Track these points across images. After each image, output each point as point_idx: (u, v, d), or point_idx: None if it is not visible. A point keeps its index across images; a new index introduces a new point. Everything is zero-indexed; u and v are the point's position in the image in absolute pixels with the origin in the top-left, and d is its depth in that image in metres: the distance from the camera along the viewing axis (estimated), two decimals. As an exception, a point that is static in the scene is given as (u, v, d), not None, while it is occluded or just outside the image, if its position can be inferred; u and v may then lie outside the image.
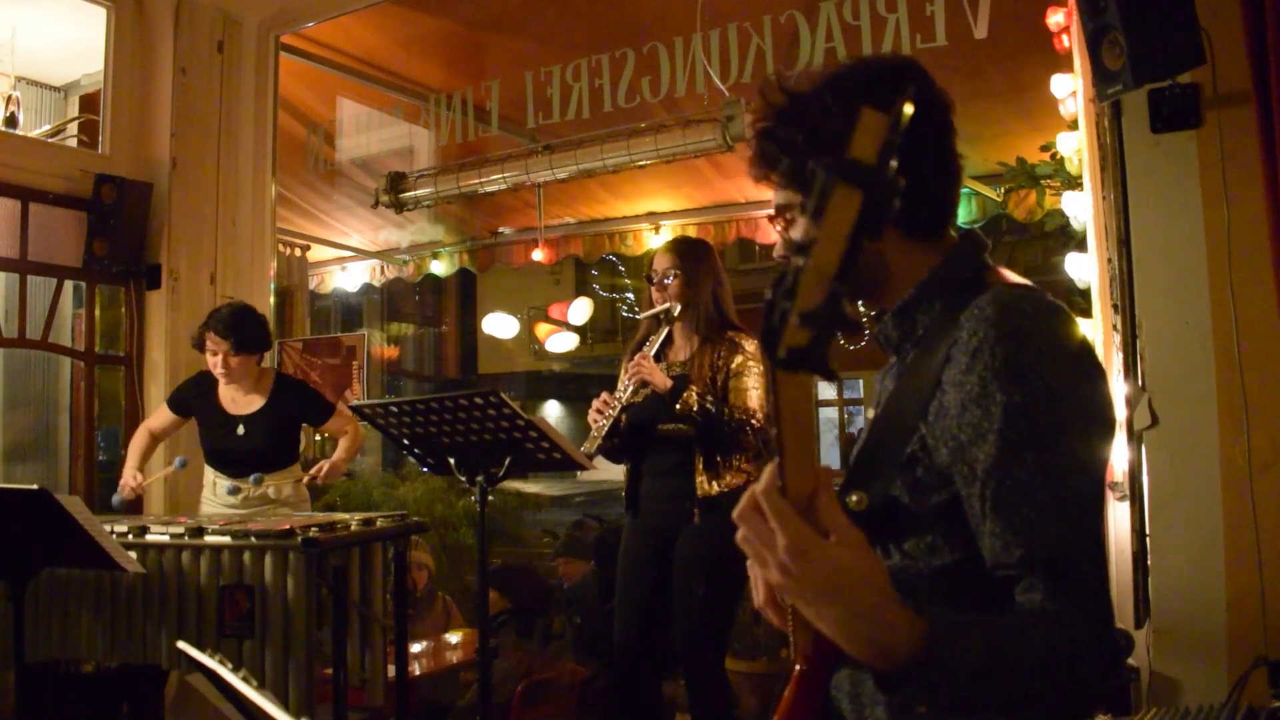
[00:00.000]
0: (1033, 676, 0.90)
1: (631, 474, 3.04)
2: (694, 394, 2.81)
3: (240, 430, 3.40)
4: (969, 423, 0.97)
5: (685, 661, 2.94)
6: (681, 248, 3.06)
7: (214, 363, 3.35)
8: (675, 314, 2.92)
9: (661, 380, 2.85)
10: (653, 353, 2.92)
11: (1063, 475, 0.94)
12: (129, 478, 3.37)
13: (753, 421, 2.84)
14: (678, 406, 2.81)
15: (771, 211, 1.21)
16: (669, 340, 3.02)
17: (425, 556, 4.76)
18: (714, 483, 2.85)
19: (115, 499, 3.37)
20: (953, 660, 0.85)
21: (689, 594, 2.84)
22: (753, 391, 2.87)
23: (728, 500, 2.83)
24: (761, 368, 2.91)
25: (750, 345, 2.92)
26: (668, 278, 2.95)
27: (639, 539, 3.03)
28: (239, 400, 3.43)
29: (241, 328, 3.34)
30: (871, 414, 1.18)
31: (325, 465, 3.46)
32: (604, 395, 2.93)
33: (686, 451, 2.88)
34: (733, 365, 2.87)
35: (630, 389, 2.90)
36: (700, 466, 2.86)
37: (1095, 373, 1.01)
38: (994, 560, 0.96)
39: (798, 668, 1.09)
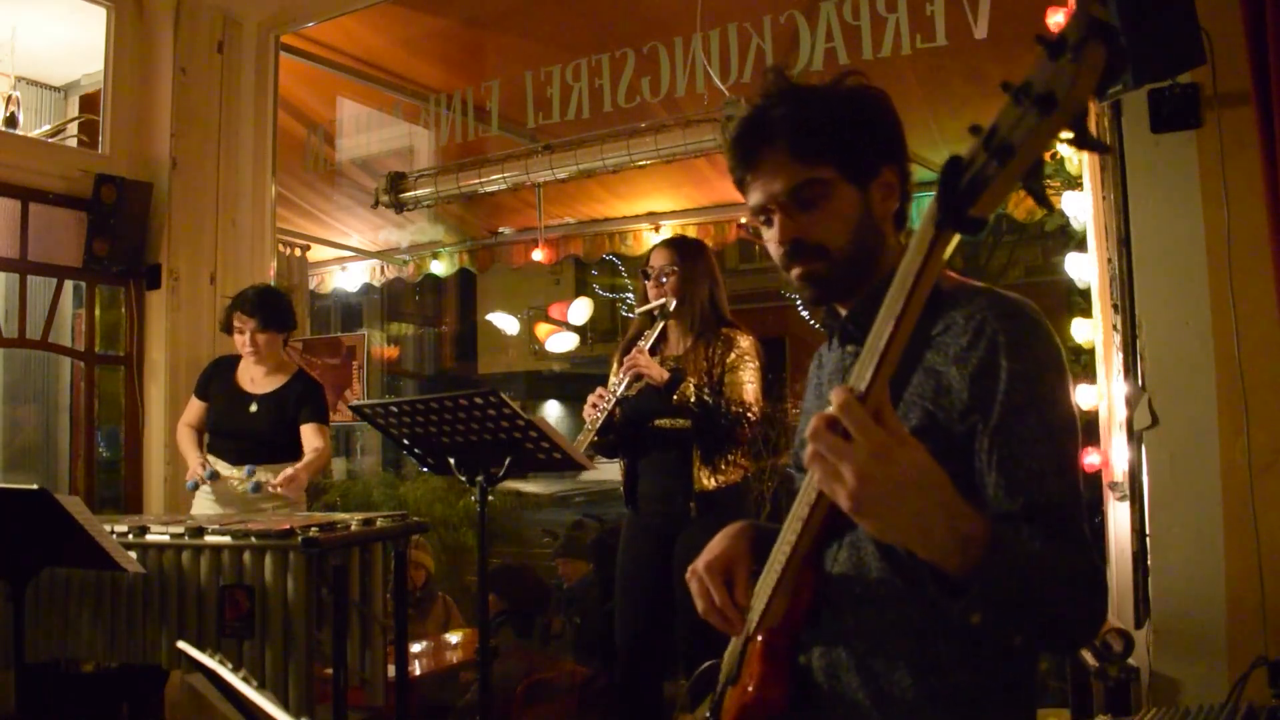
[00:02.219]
0: (1060, 596, 1.00)
1: (629, 470, 3.04)
2: (691, 385, 2.82)
3: (253, 408, 3.43)
4: (978, 391, 1.08)
5: (687, 660, 2.94)
6: (679, 245, 3.08)
7: (241, 342, 3.41)
8: (670, 309, 2.95)
9: (658, 372, 2.86)
10: (648, 347, 2.94)
11: (1057, 434, 1.07)
12: (196, 466, 3.38)
13: (749, 414, 2.86)
14: (674, 398, 2.82)
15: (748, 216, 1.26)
16: (663, 336, 3.04)
17: (424, 556, 4.76)
18: (712, 478, 2.86)
19: (190, 483, 3.39)
20: (1012, 559, 0.94)
21: (690, 593, 2.84)
22: (748, 385, 2.89)
23: (725, 496, 2.85)
24: (757, 363, 2.94)
25: (745, 341, 2.95)
26: (665, 275, 2.97)
27: (638, 537, 3.03)
28: (258, 380, 3.48)
29: (267, 305, 3.43)
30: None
31: (290, 472, 3.25)
32: (599, 390, 2.94)
33: (684, 447, 2.89)
34: (728, 360, 2.90)
35: (625, 382, 2.91)
36: (698, 461, 2.86)
37: (1063, 355, 1.14)
38: (995, 509, 1.05)
39: (760, 639, 1.13)
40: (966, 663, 1.09)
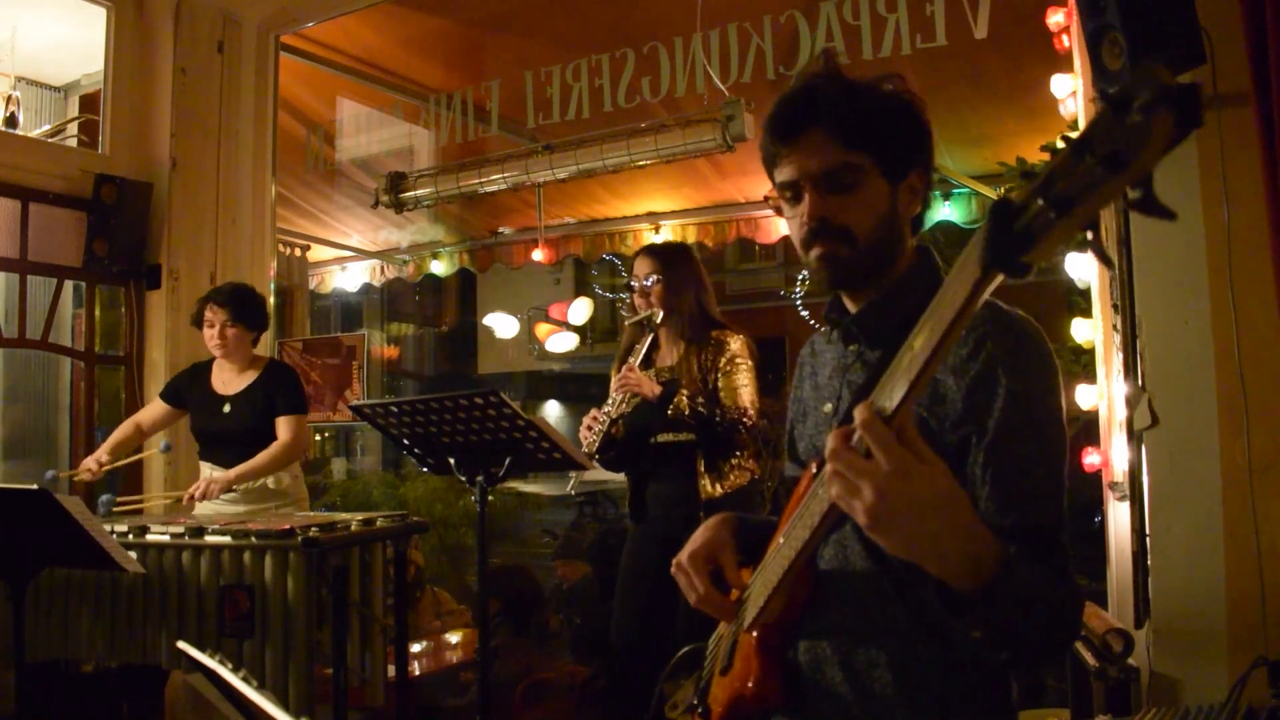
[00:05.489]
0: (1049, 625, 1.01)
1: (634, 482, 3.04)
2: (684, 397, 2.82)
3: (226, 409, 3.39)
4: (975, 403, 1.09)
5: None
6: (660, 254, 3.07)
7: (210, 335, 3.35)
8: (658, 321, 2.94)
9: (650, 388, 2.87)
10: (639, 361, 2.93)
11: (1051, 457, 1.09)
12: (91, 459, 3.34)
13: (745, 419, 2.85)
14: (669, 411, 2.82)
15: (772, 210, 1.25)
16: (655, 345, 3.03)
17: (413, 552, 4.75)
18: (717, 485, 2.86)
19: (50, 474, 3.33)
20: (1022, 583, 0.95)
21: None
22: (743, 389, 2.88)
23: (731, 502, 2.84)
24: (751, 363, 2.94)
25: (736, 342, 2.94)
26: (649, 283, 2.97)
27: (643, 544, 3.03)
28: (230, 381, 3.44)
29: (239, 300, 3.37)
30: (830, 407, 1.27)
31: (203, 484, 3.19)
32: (593, 412, 2.95)
33: (688, 456, 2.88)
34: (721, 364, 2.90)
35: (618, 401, 2.91)
36: (702, 469, 2.86)
37: (1059, 374, 1.16)
38: (986, 523, 1.04)
39: (755, 635, 1.14)
40: (945, 663, 1.12)
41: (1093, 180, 0.67)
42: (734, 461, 2.89)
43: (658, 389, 2.86)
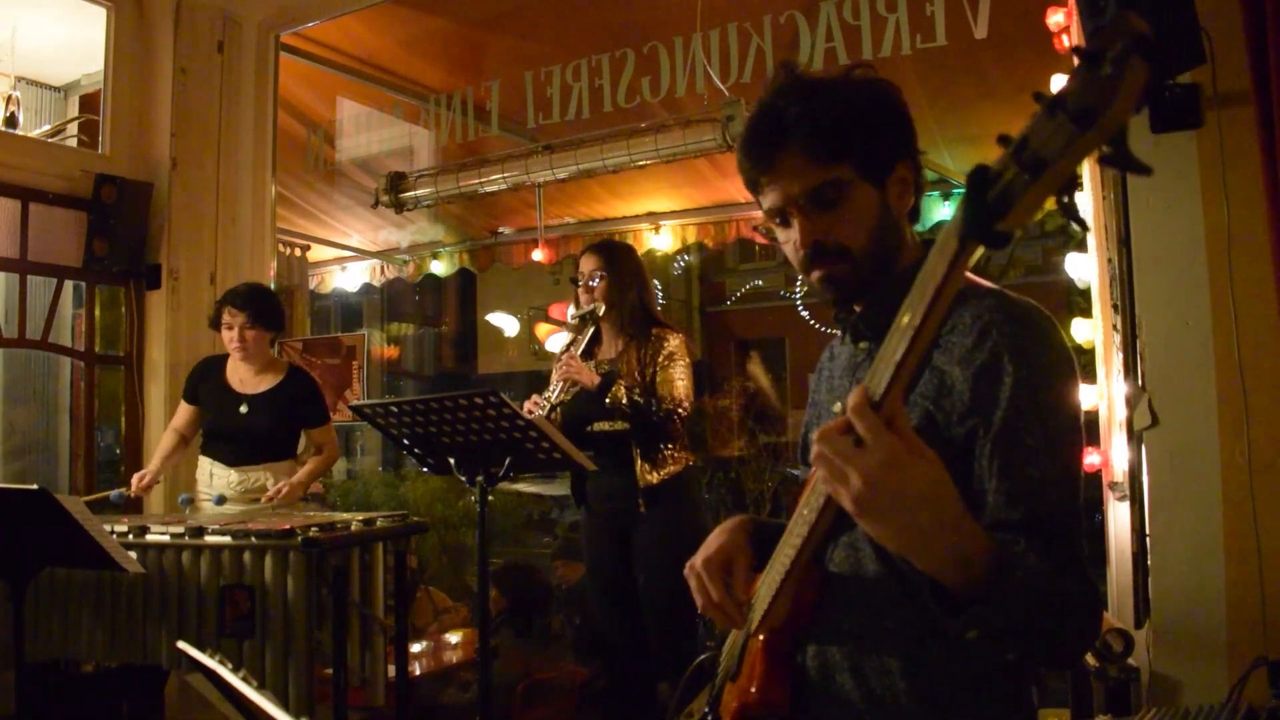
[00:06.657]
0: (1057, 621, 0.98)
1: (575, 471, 3.10)
2: (622, 388, 2.92)
3: (244, 409, 3.40)
4: (981, 393, 1.05)
5: (661, 655, 3.00)
6: (605, 251, 3.18)
7: (229, 337, 3.38)
8: (599, 314, 3.05)
9: (589, 378, 2.97)
10: (579, 352, 3.04)
11: (1060, 445, 1.05)
12: (136, 478, 3.39)
13: (679, 410, 2.97)
14: (607, 400, 2.92)
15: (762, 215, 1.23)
16: (598, 340, 3.14)
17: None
18: (654, 472, 2.97)
19: (115, 494, 3.38)
20: (1017, 581, 0.92)
21: (655, 591, 2.96)
22: (679, 382, 2.99)
23: (669, 487, 2.97)
24: (687, 359, 3.01)
25: (674, 340, 3.06)
26: (594, 280, 3.07)
27: (596, 539, 3.15)
28: (248, 380, 3.46)
29: (257, 301, 3.40)
30: (839, 406, 1.24)
31: (285, 486, 3.31)
32: (534, 397, 3.02)
33: (624, 447, 2.99)
34: (659, 360, 3.01)
35: (559, 388, 3.01)
36: (638, 457, 2.96)
37: (1073, 362, 1.11)
38: (994, 517, 1.03)
39: (761, 638, 1.13)
40: (960, 667, 1.08)
41: (1065, 138, 0.64)
42: (668, 451, 3.00)
43: (597, 379, 2.96)
